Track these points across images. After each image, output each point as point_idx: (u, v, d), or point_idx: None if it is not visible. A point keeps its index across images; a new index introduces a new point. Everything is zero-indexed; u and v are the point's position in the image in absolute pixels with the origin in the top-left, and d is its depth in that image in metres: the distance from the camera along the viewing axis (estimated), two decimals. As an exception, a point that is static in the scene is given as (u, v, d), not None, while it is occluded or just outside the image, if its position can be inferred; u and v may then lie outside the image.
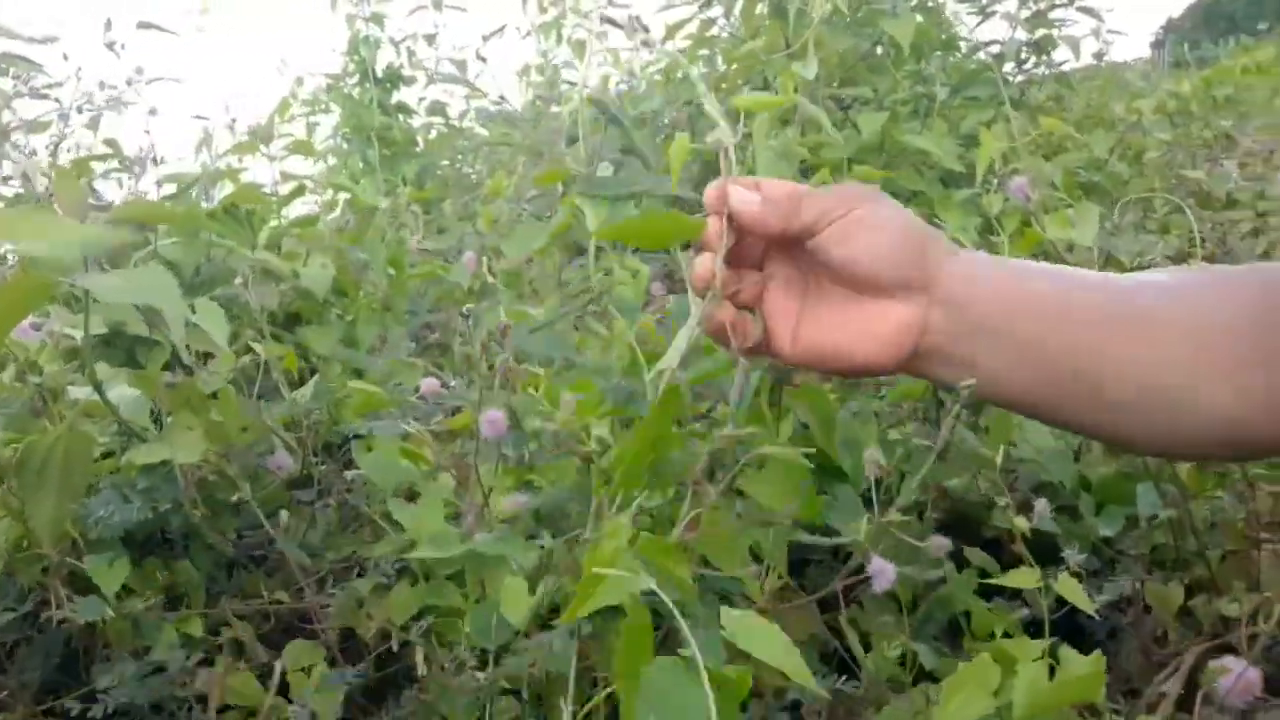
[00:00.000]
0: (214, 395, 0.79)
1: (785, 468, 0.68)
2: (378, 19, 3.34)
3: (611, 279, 0.80)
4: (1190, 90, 2.69)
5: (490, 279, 0.92)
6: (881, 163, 1.62)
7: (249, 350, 0.84)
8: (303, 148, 1.38)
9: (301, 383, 0.98)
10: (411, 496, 0.82)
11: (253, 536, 0.88)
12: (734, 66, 1.68)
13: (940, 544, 0.76)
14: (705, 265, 0.57)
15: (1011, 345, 0.55)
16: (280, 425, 0.79)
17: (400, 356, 0.96)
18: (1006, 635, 0.76)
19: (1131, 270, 1.59)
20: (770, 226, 0.56)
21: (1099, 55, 3.10)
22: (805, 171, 1.32)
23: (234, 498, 0.80)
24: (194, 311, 0.78)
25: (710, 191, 0.57)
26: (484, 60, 1.17)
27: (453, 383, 0.77)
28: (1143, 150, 2.08)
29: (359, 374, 1.05)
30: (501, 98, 1.12)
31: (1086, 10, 2.63)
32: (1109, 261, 1.02)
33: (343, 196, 2.09)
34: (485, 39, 1.42)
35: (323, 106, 3.29)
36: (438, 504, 0.77)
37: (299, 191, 1.33)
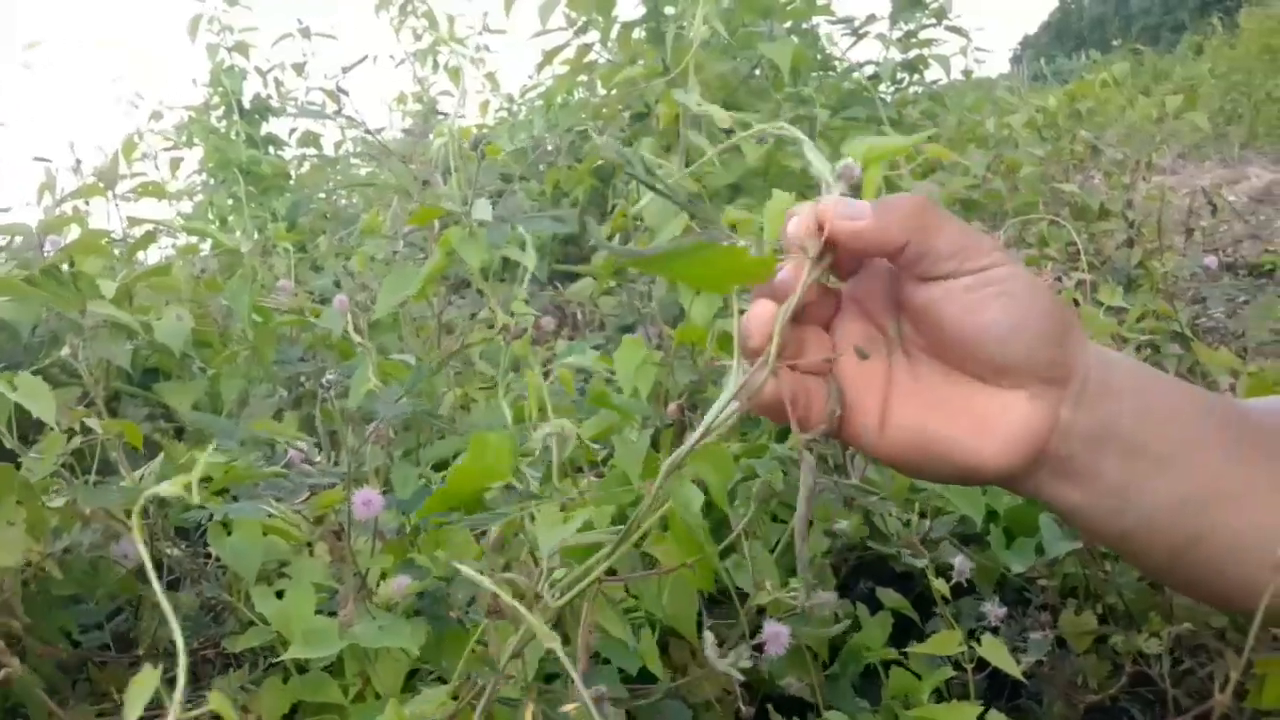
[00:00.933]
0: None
1: (685, 529, 0.63)
2: (242, 48, 3.19)
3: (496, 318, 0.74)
4: (1055, 105, 2.79)
5: (357, 334, 0.85)
6: (768, 185, 1.59)
7: (86, 429, 0.74)
8: (153, 190, 1.27)
9: (154, 453, 0.89)
10: (283, 573, 0.74)
11: (97, 636, 0.78)
12: (613, 92, 1.64)
13: (826, 599, 0.71)
14: (763, 319, 0.44)
15: (1148, 461, 0.45)
16: (121, 510, 0.70)
17: (263, 417, 0.87)
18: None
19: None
20: (890, 241, 0.43)
21: (967, 72, 3.20)
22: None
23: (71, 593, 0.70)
24: (14, 387, 0.69)
25: (799, 221, 0.44)
26: (345, 92, 1.10)
27: (317, 458, 0.69)
28: (1017, 166, 2.13)
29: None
30: (368, 131, 1.04)
31: (955, 29, 2.70)
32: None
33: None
34: (345, 70, 1.34)
35: (185, 142, 3.12)
36: (308, 591, 0.69)
37: (148, 239, 1.22)
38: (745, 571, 0.71)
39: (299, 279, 1.84)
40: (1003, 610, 0.66)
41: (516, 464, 0.52)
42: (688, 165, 1.02)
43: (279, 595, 0.72)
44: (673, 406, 0.70)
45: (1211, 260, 1.18)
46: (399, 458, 0.76)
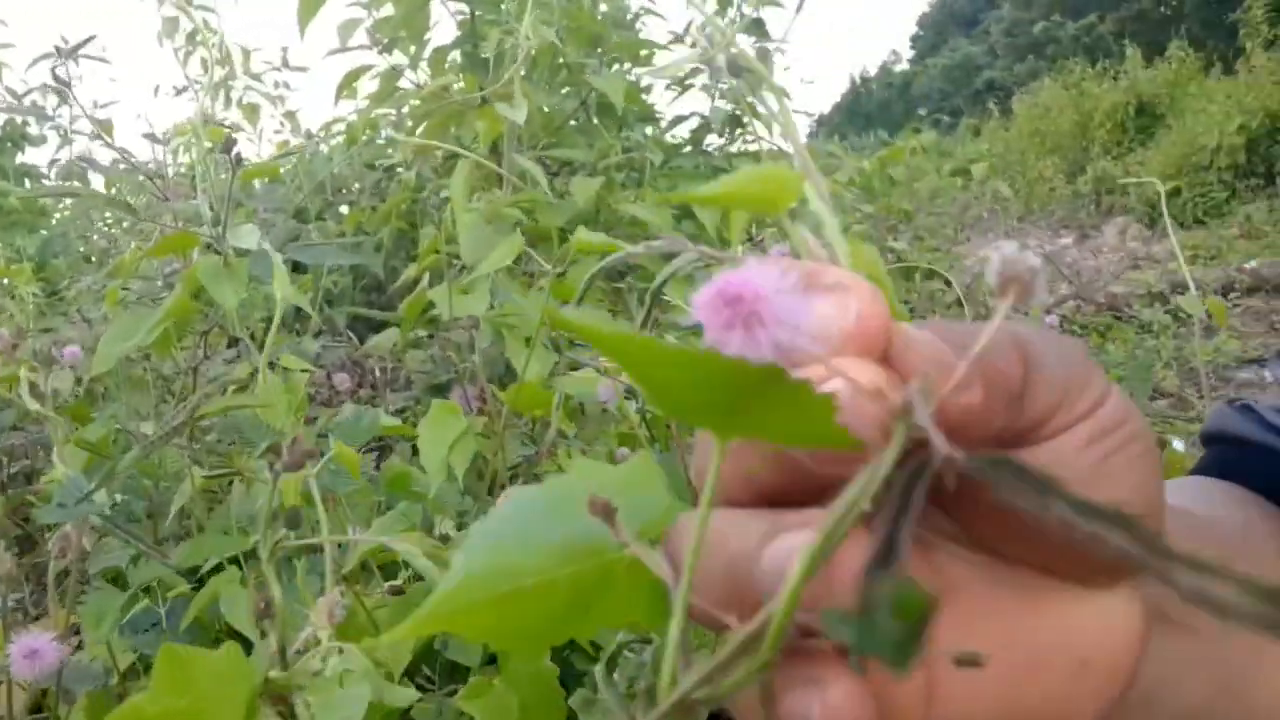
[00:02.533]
0: None
1: (532, 671, 0.45)
2: (-10, 66, 2.79)
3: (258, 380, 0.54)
4: (870, 168, 2.83)
5: (36, 400, 0.61)
6: (597, 230, 1.45)
7: None
8: None
9: None
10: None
11: None
12: (424, 125, 1.46)
13: None
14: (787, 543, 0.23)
15: (1224, 668, 0.32)
16: None
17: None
18: None
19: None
20: (990, 422, 0.25)
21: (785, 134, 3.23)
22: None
23: None
24: None
25: (861, 404, 0.23)
26: (103, 124, 0.88)
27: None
28: (849, 222, 2.11)
29: None
30: (132, 165, 0.83)
31: (774, 89, 2.69)
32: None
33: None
34: (99, 106, 1.11)
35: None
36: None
37: None
38: (597, 711, 0.53)
39: (45, 327, 1.54)
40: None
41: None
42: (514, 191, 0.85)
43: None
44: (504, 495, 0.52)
45: (1052, 319, 1.12)
46: (97, 578, 0.54)
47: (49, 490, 0.65)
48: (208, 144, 0.63)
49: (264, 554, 0.39)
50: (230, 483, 0.72)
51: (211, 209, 0.67)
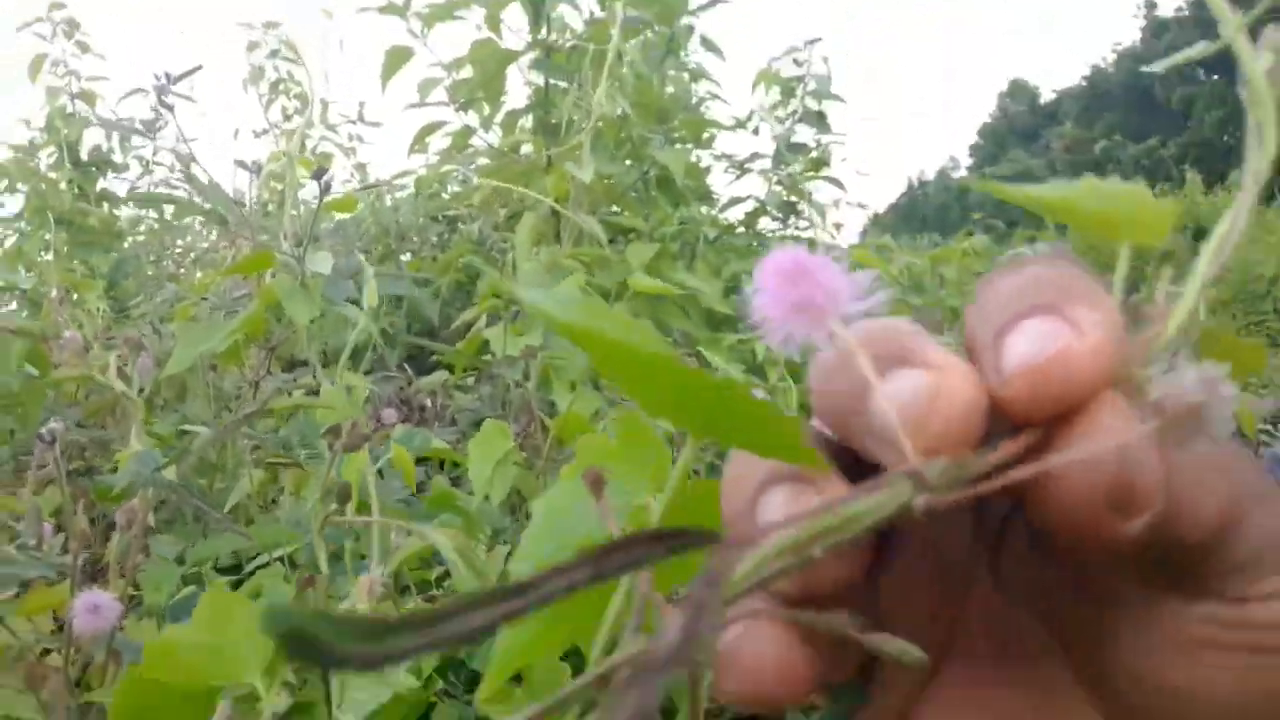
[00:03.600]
0: None
1: (545, 690, 0.47)
2: (88, 97, 2.95)
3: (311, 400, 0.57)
4: (922, 266, 2.86)
5: (122, 382, 0.66)
6: (650, 300, 1.49)
7: None
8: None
9: None
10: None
11: None
12: (492, 185, 1.53)
13: None
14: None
15: None
16: None
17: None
18: None
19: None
20: (1200, 526, 0.20)
21: (837, 225, 3.28)
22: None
23: None
24: None
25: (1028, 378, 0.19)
26: (193, 160, 0.95)
27: (36, 539, 0.50)
28: (903, 312, 2.13)
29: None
30: (220, 189, 0.89)
31: (833, 181, 2.76)
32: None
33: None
34: (183, 140, 1.18)
35: (7, 187, 2.82)
36: (-6, 730, 0.49)
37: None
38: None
39: (111, 339, 1.61)
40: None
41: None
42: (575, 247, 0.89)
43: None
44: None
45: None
46: (158, 553, 0.57)
47: (107, 482, 0.69)
48: (298, 171, 0.69)
49: (315, 526, 0.42)
50: (282, 491, 0.76)
51: (294, 234, 0.72)
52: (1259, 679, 0.21)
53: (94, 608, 0.45)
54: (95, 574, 0.60)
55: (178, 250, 3.10)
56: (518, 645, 0.26)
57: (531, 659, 0.26)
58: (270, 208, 2.19)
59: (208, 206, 0.74)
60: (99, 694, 0.54)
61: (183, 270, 2.89)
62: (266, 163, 0.83)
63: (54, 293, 1.65)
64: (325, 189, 0.64)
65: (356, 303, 0.73)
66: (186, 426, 0.75)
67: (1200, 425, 0.18)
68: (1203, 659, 0.21)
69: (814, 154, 2.65)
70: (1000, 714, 0.23)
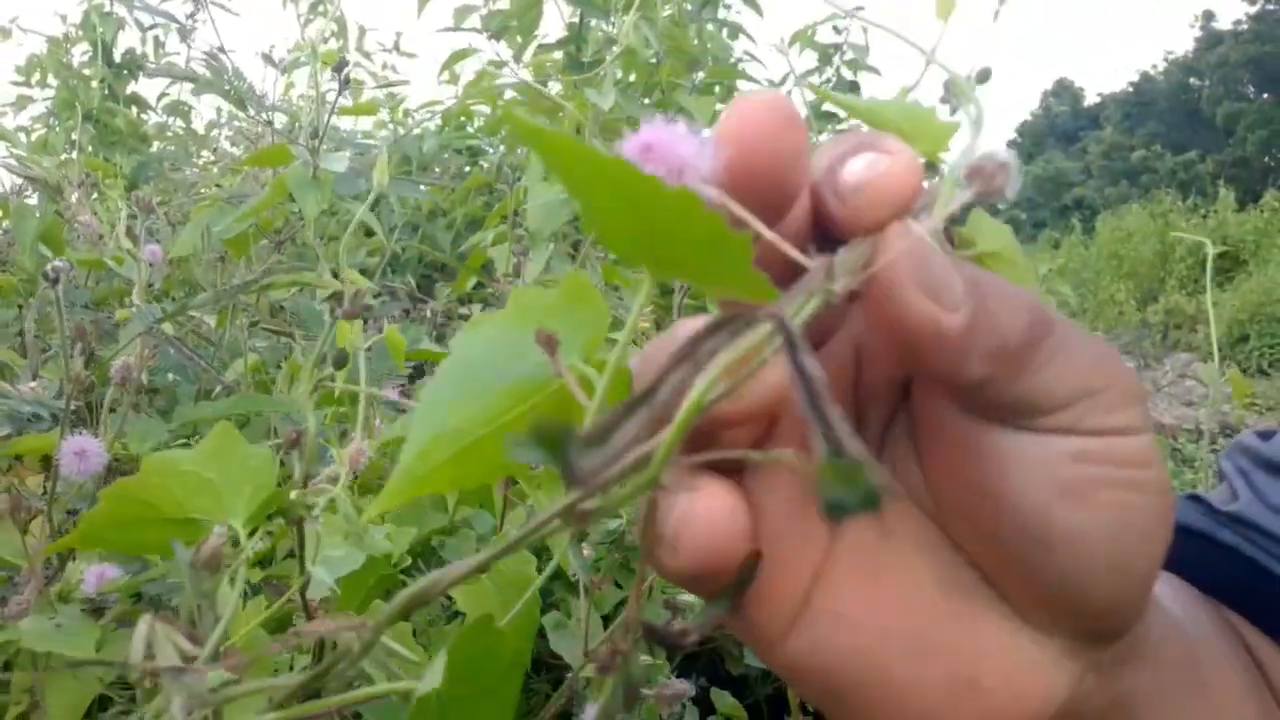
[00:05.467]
0: None
1: (509, 578, 0.49)
2: (126, -2, 2.94)
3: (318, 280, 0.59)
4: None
5: (131, 239, 0.67)
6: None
7: None
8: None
9: None
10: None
11: None
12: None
13: (678, 690, 0.58)
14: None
15: None
16: None
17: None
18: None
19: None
20: (966, 358, 0.23)
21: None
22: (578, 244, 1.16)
23: None
24: None
25: (875, 190, 0.23)
26: (224, 52, 0.96)
27: (31, 388, 0.52)
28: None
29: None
30: (247, 82, 0.89)
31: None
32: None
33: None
34: (218, 50, 1.19)
35: (40, 80, 2.82)
36: (-23, 563, 0.50)
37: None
38: (568, 635, 0.57)
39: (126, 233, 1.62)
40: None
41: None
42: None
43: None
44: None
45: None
46: (150, 409, 0.59)
47: (107, 362, 0.71)
48: (321, 64, 0.69)
49: (305, 389, 0.43)
50: (275, 381, 0.77)
51: (310, 127, 0.72)
52: (1135, 517, 0.23)
53: (81, 452, 0.46)
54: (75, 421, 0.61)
55: (202, 159, 3.11)
56: (420, 474, 0.26)
57: (429, 490, 0.26)
58: (302, 106, 2.19)
59: (228, 89, 0.75)
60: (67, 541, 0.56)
61: (207, 177, 2.90)
62: (289, 54, 0.83)
63: (74, 180, 1.67)
64: (345, 82, 0.64)
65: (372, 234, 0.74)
66: (193, 312, 0.76)
67: (996, 186, 0.23)
68: (1084, 501, 0.23)
69: (843, 125, 2.63)
70: (898, 583, 0.26)
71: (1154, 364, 7.87)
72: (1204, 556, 0.38)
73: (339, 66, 0.64)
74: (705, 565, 0.23)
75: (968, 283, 0.22)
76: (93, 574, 0.46)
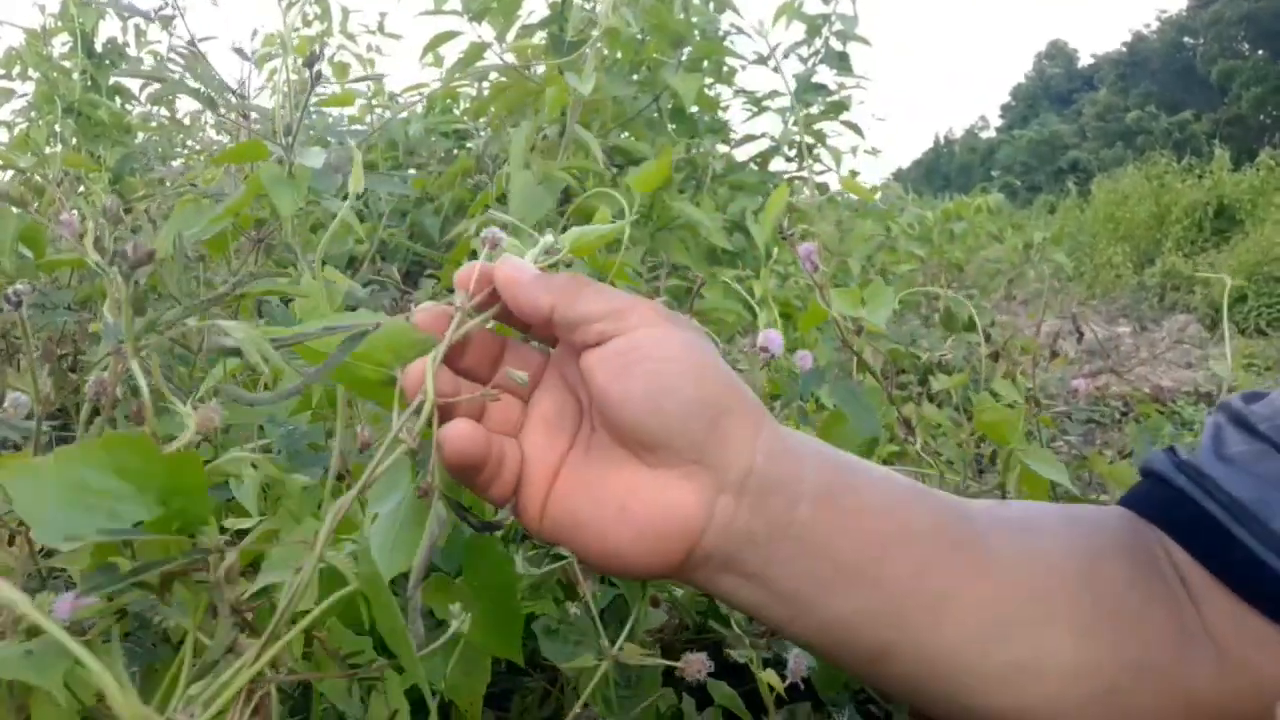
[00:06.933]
0: None
1: (485, 581, 0.48)
2: (105, -14, 2.90)
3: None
4: (933, 219, 2.83)
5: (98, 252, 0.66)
6: (650, 230, 1.48)
7: None
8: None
9: None
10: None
11: None
12: (502, 96, 1.50)
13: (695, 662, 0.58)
14: (418, 368, 0.41)
15: (829, 567, 0.40)
16: None
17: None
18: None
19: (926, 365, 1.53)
20: (537, 301, 0.41)
21: (854, 172, 3.25)
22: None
23: None
24: None
25: (462, 270, 0.43)
26: (201, 55, 0.94)
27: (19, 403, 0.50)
28: (888, 266, 2.12)
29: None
30: (222, 81, 0.87)
31: (851, 126, 2.71)
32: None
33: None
34: (197, 40, 1.17)
35: (21, 73, 2.79)
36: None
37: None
38: (560, 639, 0.56)
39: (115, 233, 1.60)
40: (864, 727, 0.53)
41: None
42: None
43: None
44: (364, 432, 0.56)
45: (1081, 382, 1.13)
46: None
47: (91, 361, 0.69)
48: (294, 58, 0.68)
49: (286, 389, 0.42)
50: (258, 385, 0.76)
51: (284, 123, 0.71)
52: (660, 379, 0.39)
53: (53, 469, 0.45)
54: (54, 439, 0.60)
55: (187, 150, 3.08)
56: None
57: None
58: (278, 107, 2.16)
59: (199, 88, 0.73)
60: (64, 559, 0.55)
61: (191, 168, 2.87)
62: (261, 47, 0.82)
63: (54, 177, 1.65)
64: (315, 78, 0.63)
65: (363, 216, 0.72)
66: (171, 315, 0.75)
67: (499, 244, 0.45)
68: (628, 374, 0.40)
69: (834, 97, 2.61)
70: (593, 464, 0.42)
71: (1152, 326, 7.85)
72: (1160, 494, 0.47)
73: (310, 61, 0.62)
74: (460, 460, 0.39)
75: (532, 274, 0.42)
76: (63, 603, 0.45)
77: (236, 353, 0.40)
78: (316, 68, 0.63)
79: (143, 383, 0.40)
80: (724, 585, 0.41)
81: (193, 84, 0.74)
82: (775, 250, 1.09)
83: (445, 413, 0.41)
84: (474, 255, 0.84)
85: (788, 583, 0.40)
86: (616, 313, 0.40)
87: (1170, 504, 0.46)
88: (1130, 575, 0.44)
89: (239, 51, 0.94)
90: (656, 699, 0.64)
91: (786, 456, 0.41)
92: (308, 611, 0.37)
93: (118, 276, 0.48)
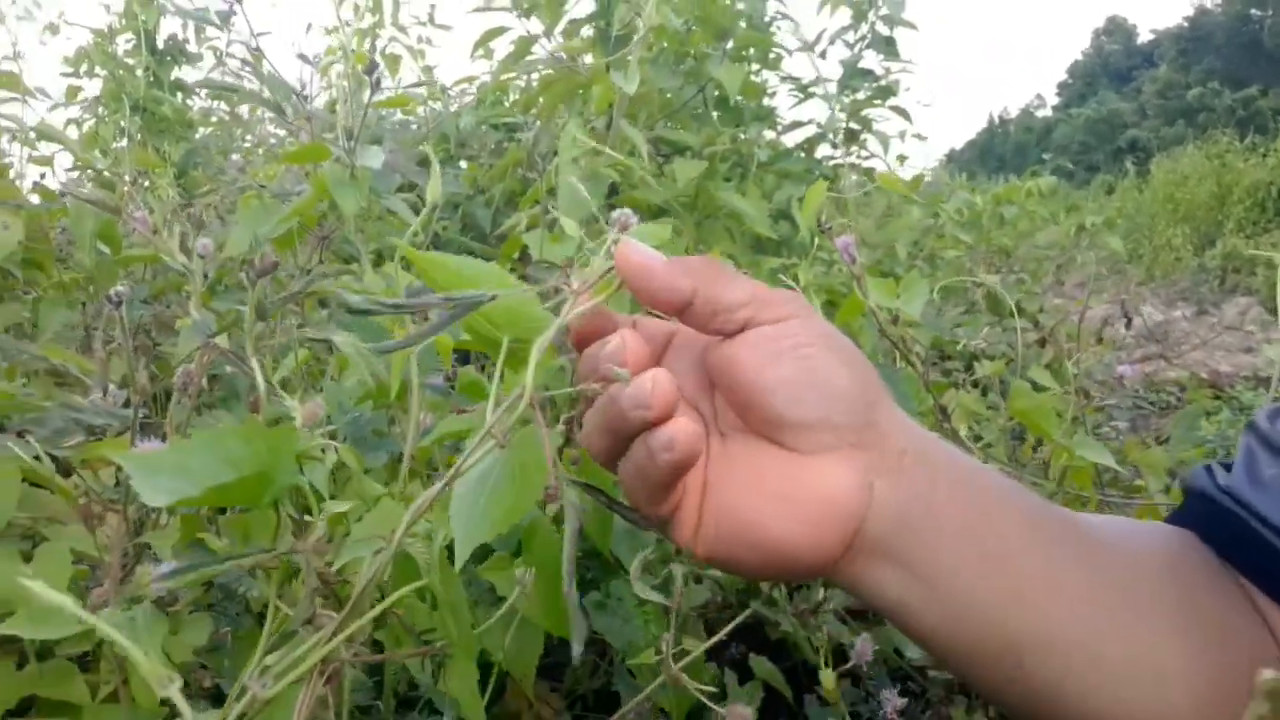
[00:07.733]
0: None
1: (542, 558, 0.52)
2: (166, -15, 2.99)
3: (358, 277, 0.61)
4: (982, 203, 2.81)
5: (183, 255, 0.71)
6: (695, 219, 1.51)
7: None
8: (4, 82, 1.10)
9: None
10: (32, 538, 0.59)
11: None
12: (550, 89, 1.54)
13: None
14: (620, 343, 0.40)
15: (974, 551, 0.39)
16: None
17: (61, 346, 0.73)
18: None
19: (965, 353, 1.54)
20: (679, 288, 0.40)
21: (901, 157, 3.22)
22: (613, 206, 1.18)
23: None
24: None
25: (596, 261, 0.43)
26: (260, 54, 1.01)
27: (110, 395, 0.55)
28: (936, 252, 2.11)
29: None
30: (284, 82, 0.92)
31: (899, 110, 2.69)
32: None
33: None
34: (255, 35, 1.22)
35: (88, 71, 2.89)
36: (59, 559, 0.55)
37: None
38: (609, 614, 0.60)
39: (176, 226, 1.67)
40: (902, 701, 0.56)
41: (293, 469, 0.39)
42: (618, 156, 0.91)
43: (27, 559, 0.58)
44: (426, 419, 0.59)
45: (1128, 369, 1.13)
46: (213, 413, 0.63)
47: (170, 356, 0.74)
48: (354, 65, 0.72)
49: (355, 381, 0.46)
50: (324, 374, 0.81)
51: (345, 127, 0.75)
52: (811, 365, 0.39)
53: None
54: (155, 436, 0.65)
55: (247, 144, 3.16)
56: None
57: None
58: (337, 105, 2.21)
59: (267, 96, 0.77)
60: (152, 536, 0.60)
61: (251, 163, 2.95)
62: (324, 56, 0.86)
63: (127, 175, 1.71)
64: (375, 85, 0.67)
65: (417, 209, 0.76)
66: (242, 307, 0.80)
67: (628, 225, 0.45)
68: (779, 361, 0.39)
69: (881, 82, 2.59)
70: (740, 463, 0.41)
71: (1212, 309, 7.67)
72: (1207, 510, 0.46)
73: (370, 69, 0.66)
74: (691, 459, 0.39)
75: (665, 261, 0.41)
76: (158, 571, 0.49)
77: (366, 312, 0.43)
78: (375, 74, 0.67)
79: (259, 377, 0.43)
80: (873, 577, 0.40)
81: (265, 94, 0.78)
82: (817, 239, 1.11)
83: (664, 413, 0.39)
84: (525, 248, 0.89)
85: (934, 568, 0.39)
86: (762, 300, 0.40)
87: (1214, 520, 0.46)
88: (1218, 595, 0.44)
89: (302, 57, 0.99)
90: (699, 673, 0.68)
91: (925, 440, 0.41)
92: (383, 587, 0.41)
93: (198, 275, 0.53)
